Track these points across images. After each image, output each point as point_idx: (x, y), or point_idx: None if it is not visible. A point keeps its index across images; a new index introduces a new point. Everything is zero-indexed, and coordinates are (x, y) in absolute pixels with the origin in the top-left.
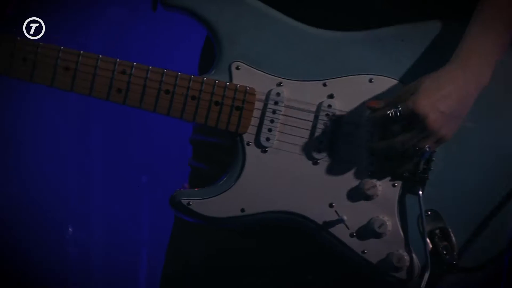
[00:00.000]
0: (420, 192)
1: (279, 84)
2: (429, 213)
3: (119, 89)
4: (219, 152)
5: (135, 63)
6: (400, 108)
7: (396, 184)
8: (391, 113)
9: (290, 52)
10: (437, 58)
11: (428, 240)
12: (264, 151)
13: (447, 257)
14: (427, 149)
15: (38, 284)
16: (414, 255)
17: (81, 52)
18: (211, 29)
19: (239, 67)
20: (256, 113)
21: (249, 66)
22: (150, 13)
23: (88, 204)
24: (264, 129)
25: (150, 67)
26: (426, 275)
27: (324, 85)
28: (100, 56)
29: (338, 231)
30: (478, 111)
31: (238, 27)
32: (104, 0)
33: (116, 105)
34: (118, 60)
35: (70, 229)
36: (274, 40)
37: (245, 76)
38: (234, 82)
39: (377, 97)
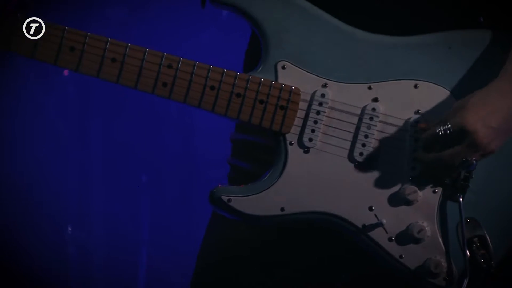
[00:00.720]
0: (461, 199)
1: (324, 85)
2: (468, 220)
3: (164, 83)
4: (260, 151)
5: (181, 58)
6: (449, 125)
7: (436, 191)
8: (441, 132)
9: (337, 54)
10: (483, 68)
11: (466, 248)
12: (306, 152)
13: (485, 265)
14: (474, 161)
15: (38, 284)
16: (452, 262)
17: (129, 44)
18: (259, 28)
19: (285, 67)
20: (300, 114)
21: (295, 66)
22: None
23: (88, 204)
24: (308, 130)
25: (197, 62)
26: (465, 282)
27: (369, 88)
28: (148, 49)
29: (376, 234)
30: None
31: (286, 27)
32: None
33: (116, 105)
34: (165, 54)
35: (69, 229)
36: (321, 41)
37: (290, 75)
38: (280, 81)
39: (421, 103)
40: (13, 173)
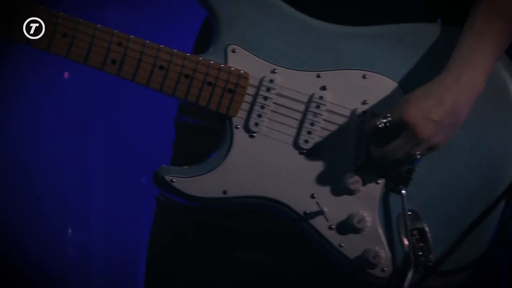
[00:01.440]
0: (403, 192)
1: (273, 71)
2: (409, 213)
3: (113, 60)
4: (205, 135)
5: (132, 36)
6: (390, 118)
7: (379, 182)
8: (381, 124)
9: (288, 41)
10: (432, 61)
11: (405, 240)
12: (252, 136)
13: (422, 258)
14: (418, 156)
15: (38, 285)
16: (391, 254)
17: (80, 20)
18: (211, 11)
19: (235, 50)
20: (248, 98)
21: (245, 50)
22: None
23: (88, 204)
24: (254, 114)
25: (147, 41)
26: (410, 274)
27: (318, 76)
28: (99, 25)
29: (317, 222)
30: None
31: (238, 11)
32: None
33: (116, 106)
34: (115, 31)
35: (69, 231)
36: (273, 27)
37: (240, 60)
38: (229, 64)
39: (368, 93)
40: (13, 173)
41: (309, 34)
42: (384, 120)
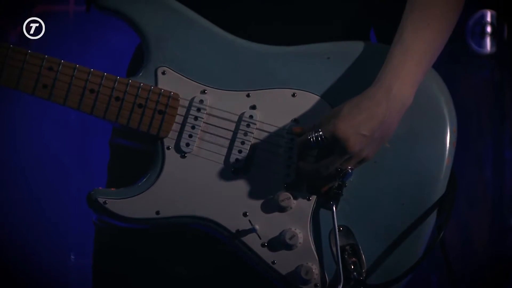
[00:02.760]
0: (334, 208)
1: (203, 92)
2: (341, 229)
3: (44, 85)
4: (139, 156)
5: (62, 61)
6: (321, 133)
7: (310, 198)
8: (313, 138)
9: (217, 61)
10: (361, 78)
11: (339, 255)
12: (183, 156)
13: (355, 273)
14: (349, 171)
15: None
16: (324, 269)
17: (11, 46)
18: (141, 33)
19: (165, 72)
20: (179, 119)
21: (174, 71)
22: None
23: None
24: (185, 135)
25: (77, 65)
26: None
27: (248, 95)
28: (29, 51)
29: (250, 240)
30: (394, 132)
31: (167, 33)
32: None
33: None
34: (46, 56)
35: (72, 257)
36: (201, 48)
37: (170, 81)
38: (159, 86)
39: (298, 112)
40: (13, 174)
41: (238, 54)
42: (316, 135)
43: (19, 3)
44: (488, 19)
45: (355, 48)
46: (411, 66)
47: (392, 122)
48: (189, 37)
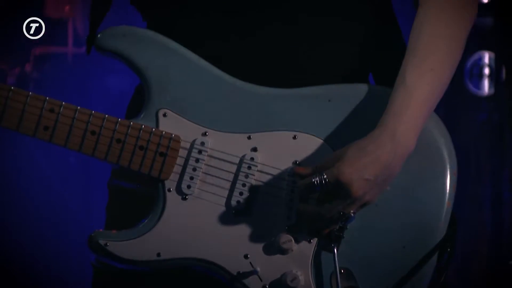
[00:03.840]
0: (335, 250)
1: (204, 134)
2: (342, 271)
3: (46, 126)
4: (139, 198)
5: (64, 103)
6: (325, 176)
7: (312, 241)
8: (316, 181)
9: (218, 103)
10: (362, 120)
11: None
12: (184, 198)
13: None
14: (352, 214)
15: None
16: None
17: (12, 88)
18: (141, 75)
19: (166, 114)
20: (180, 161)
21: (176, 114)
22: None
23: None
24: (186, 177)
25: (79, 107)
26: None
27: (249, 138)
28: (30, 93)
29: (251, 282)
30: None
31: (168, 75)
32: None
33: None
34: (47, 98)
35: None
36: (202, 90)
37: (171, 123)
38: (161, 128)
39: (299, 154)
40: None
41: (239, 96)
42: (320, 178)
43: (18, 45)
44: (486, 61)
45: (356, 90)
46: (414, 111)
47: (395, 166)
48: (190, 79)
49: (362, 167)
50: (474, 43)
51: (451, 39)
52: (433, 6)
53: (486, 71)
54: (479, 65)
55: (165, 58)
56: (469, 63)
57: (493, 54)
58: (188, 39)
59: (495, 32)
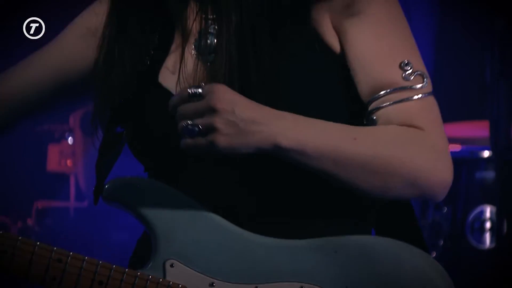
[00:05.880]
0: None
1: (211, 284)
2: None
3: (53, 277)
4: None
5: (71, 253)
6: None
7: None
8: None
9: (225, 254)
10: (368, 272)
11: None
12: None
13: None
14: (196, 127)
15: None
16: None
17: (20, 237)
18: (148, 226)
19: (173, 265)
20: None
21: (183, 264)
22: None
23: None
24: None
25: (86, 257)
26: None
27: None
28: (38, 243)
29: None
30: None
31: (175, 226)
32: None
33: None
34: (55, 248)
35: None
36: (209, 240)
37: (178, 274)
38: (168, 278)
39: None
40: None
41: (246, 247)
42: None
43: (20, 199)
44: (488, 214)
45: (363, 242)
46: (318, 133)
47: (255, 134)
48: (197, 230)
49: (239, 101)
50: (476, 197)
51: (394, 159)
52: (412, 134)
53: (488, 225)
54: (480, 219)
55: (172, 208)
56: (471, 216)
57: (494, 208)
58: (191, 189)
59: (497, 186)
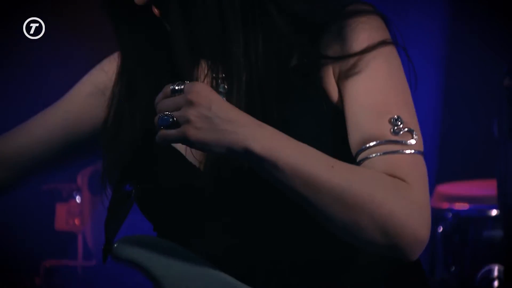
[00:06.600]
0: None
1: None
2: None
3: None
4: None
5: None
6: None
7: None
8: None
9: None
10: None
11: None
12: None
13: None
14: (170, 118)
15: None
16: None
17: None
18: (158, 285)
19: None
20: None
21: None
22: None
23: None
24: None
25: None
26: None
27: None
28: None
29: None
30: None
31: (185, 286)
32: None
33: None
34: None
35: None
36: None
37: None
38: None
39: None
40: None
41: None
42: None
43: (28, 258)
44: (495, 273)
45: None
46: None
47: (226, 134)
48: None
49: (218, 100)
50: (484, 256)
51: (359, 196)
52: (378, 177)
53: (496, 284)
54: (488, 278)
55: (181, 267)
56: (479, 275)
57: (502, 267)
58: (202, 249)
59: (504, 245)
